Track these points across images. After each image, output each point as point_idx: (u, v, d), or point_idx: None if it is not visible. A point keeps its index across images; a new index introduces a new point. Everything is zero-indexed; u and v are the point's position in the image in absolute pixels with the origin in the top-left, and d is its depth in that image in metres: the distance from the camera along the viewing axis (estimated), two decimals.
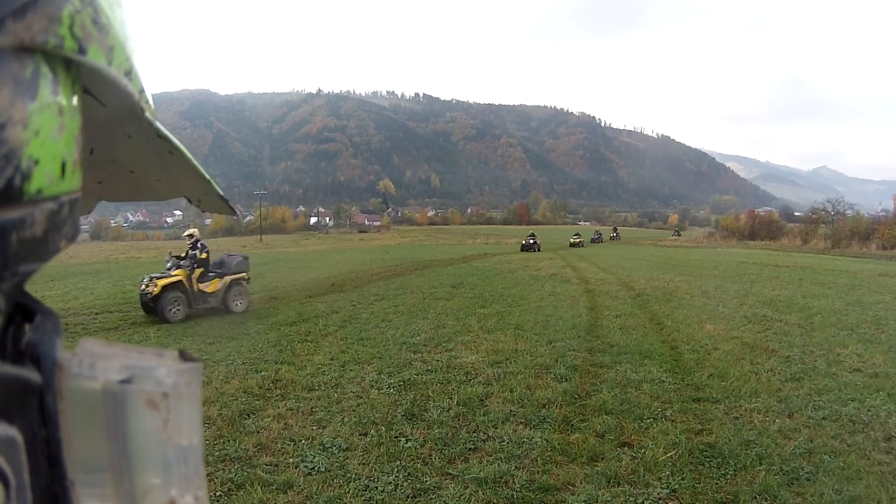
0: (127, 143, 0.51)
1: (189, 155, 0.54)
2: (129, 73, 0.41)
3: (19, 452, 0.33)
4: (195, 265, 13.44)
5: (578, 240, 60.13)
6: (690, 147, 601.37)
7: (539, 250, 44.57)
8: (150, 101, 0.47)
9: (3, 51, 0.30)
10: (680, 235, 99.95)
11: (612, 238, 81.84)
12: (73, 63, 0.36)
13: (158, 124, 0.47)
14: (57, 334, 0.37)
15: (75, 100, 0.37)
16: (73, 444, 0.36)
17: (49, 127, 0.33)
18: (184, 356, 0.38)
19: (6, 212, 0.31)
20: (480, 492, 4.57)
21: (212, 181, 0.62)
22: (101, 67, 0.37)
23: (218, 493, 4.56)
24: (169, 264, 13.44)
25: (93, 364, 0.36)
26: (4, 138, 0.30)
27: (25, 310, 0.37)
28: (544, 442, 5.49)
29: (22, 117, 0.31)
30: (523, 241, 48.14)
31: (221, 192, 0.66)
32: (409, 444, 5.50)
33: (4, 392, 0.33)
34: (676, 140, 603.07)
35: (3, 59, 0.30)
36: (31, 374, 0.35)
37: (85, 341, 0.37)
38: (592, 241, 71.19)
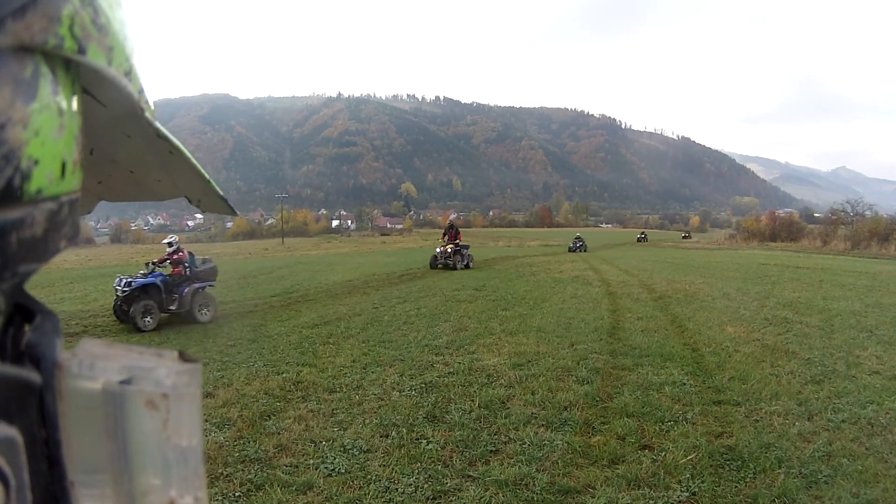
0: (127, 143, 0.52)
1: (189, 155, 0.54)
2: (129, 73, 0.41)
3: (19, 453, 0.33)
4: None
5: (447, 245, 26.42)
6: (710, 148, 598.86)
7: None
8: (150, 102, 0.47)
9: (3, 51, 0.30)
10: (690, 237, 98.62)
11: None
12: (73, 63, 0.36)
13: (158, 124, 0.47)
14: (57, 335, 0.37)
15: (75, 100, 0.37)
16: (73, 444, 0.36)
17: (49, 127, 0.33)
18: (183, 357, 0.38)
19: (6, 212, 0.31)
20: (501, 494, 4.56)
21: (211, 181, 0.62)
22: (100, 67, 0.37)
23: (237, 494, 4.58)
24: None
25: (92, 364, 0.36)
26: (4, 138, 0.30)
27: (25, 310, 0.37)
28: (565, 444, 5.46)
29: (22, 117, 0.31)
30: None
31: (221, 192, 0.66)
32: (430, 446, 5.49)
33: (4, 392, 0.33)
34: (697, 142, 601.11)
35: (3, 59, 0.30)
36: (31, 375, 0.35)
37: (85, 342, 0.37)
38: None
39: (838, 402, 6.66)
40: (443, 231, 28.33)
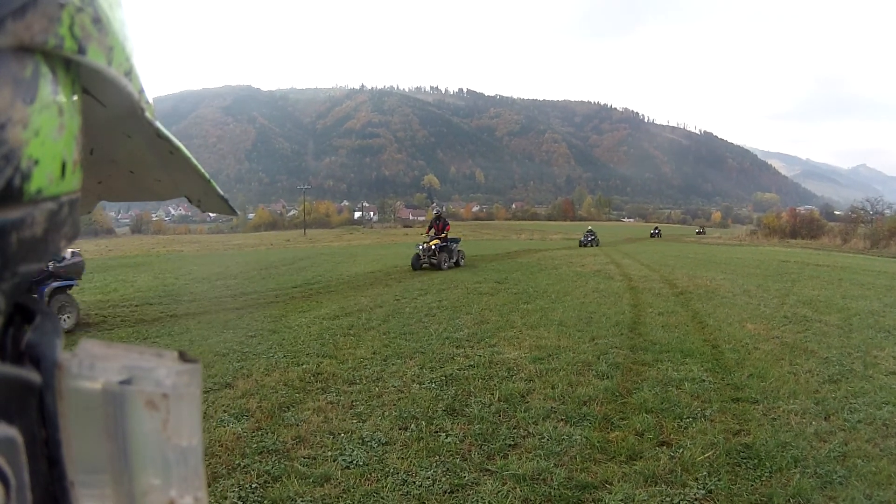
0: (127, 143, 0.52)
1: (189, 155, 0.54)
2: (129, 73, 0.41)
3: (19, 453, 0.33)
4: None
5: (432, 241, 23.64)
6: (733, 144, 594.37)
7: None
8: (150, 101, 0.47)
9: (3, 51, 0.30)
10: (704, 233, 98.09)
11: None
12: (73, 63, 0.36)
13: (158, 124, 0.47)
14: (57, 335, 0.37)
15: (75, 100, 0.37)
16: (73, 444, 0.36)
17: (49, 127, 0.33)
18: (183, 357, 0.38)
19: (6, 212, 0.31)
20: (518, 488, 4.55)
21: (212, 181, 0.62)
22: (100, 67, 0.37)
23: (254, 486, 4.60)
24: None
25: (92, 365, 0.36)
26: (4, 138, 0.30)
27: (25, 310, 0.38)
28: (584, 439, 5.45)
29: (22, 117, 0.31)
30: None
31: (221, 192, 0.66)
32: (449, 439, 5.49)
33: (4, 392, 0.33)
34: (719, 137, 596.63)
35: (3, 59, 0.30)
36: (31, 375, 0.35)
37: (85, 342, 0.37)
38: None
39: (855, 403, 6.64)
40: (428, 224, 23.15)
